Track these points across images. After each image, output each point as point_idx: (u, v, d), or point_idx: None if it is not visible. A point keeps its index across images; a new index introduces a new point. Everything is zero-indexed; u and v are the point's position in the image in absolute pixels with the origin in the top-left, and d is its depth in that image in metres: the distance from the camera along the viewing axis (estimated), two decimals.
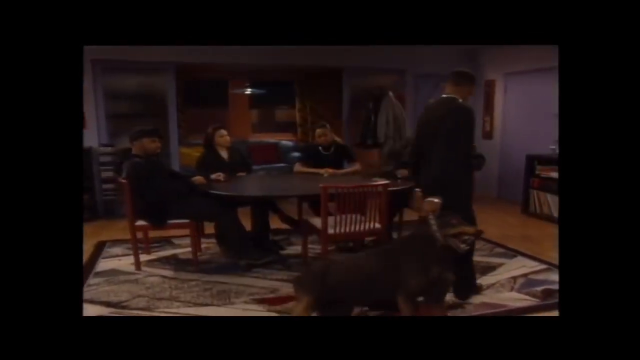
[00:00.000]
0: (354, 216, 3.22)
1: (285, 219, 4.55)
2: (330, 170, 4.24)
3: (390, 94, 6.15)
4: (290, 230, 4.58)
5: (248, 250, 3.60)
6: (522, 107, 6.16)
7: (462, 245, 2.22)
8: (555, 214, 5.17)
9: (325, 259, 3.07)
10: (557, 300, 2.97)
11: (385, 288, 2.25)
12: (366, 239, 3.87)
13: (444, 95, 2.77)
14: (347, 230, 3.23)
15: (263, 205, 3.92)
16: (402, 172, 3.91)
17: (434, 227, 2.24)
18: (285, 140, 7.78)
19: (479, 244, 4.23)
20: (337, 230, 3.21)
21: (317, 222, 3.43)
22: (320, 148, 4.47)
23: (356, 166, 4.51)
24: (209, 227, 3.96)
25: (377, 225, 3.33)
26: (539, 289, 3.21)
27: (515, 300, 3.05)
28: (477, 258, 3.77)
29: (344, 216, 3.18)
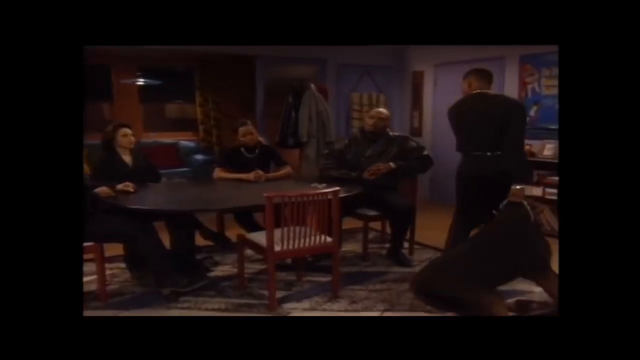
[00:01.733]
0: (302, 229, 3.26)
1: (208, 234, 4.48)
2: (260, 173, 4.25)
3: (312, 86, 6.28)
4: (212, 248, 4.55)
5: (173, 275, 3.48)
6: (454, 101, 6.51)
7: (545, 221, 3.07)
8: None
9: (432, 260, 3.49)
10: (536, 312, 3.23)
11: (499, 271, 2.94)
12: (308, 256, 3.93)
13: (482, 91, 3.52)
14: (296, 246, 3.26)
15: (187, 220, 3.82)
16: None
17: (529, 208, 3.02)
18: (185, 141, 7.57)
19: (429, 254, 4.50)
20: (284, 247, 3.23)
21: (257, 238, 3.43)
22: (242, 150, 4.46)
23: (287, 169, 4.57)
24: (109, 249, 3.78)
25: (329, 239, 3.41)
26: (511, 301, 3.27)
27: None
28: None
29: (291, 230, 3.21)
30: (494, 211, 3.16)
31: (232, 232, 4.61)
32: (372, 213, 4.27)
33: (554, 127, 5.44)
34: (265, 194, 3.12)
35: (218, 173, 4.45)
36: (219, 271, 4.05)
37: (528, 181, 3.43)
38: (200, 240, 4.26)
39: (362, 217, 4.29)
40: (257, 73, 6.51)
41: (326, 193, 3.31)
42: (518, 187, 3.17)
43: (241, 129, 4.41)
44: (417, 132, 7.09)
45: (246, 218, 4.37)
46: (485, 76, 3.59)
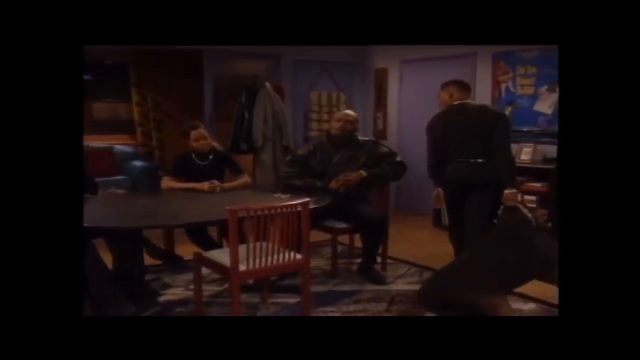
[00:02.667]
0: (268, 246, 3.14)
1: (156, 252, 4.31)
2: (216, 183, 4.10)
3: (267, 84, 6.17)
4: (161, 267, 4.39)
5: (117, 301, 3.29)
6: (422, 101, 6.58)
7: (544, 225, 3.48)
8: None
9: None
10: None
11: (509, 277, 3.23)
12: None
13: (463, 101, 3.90)
14: (263, 264, 3.14)
15: (135, 238, 3.62)
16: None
17: (526, 212, 3.32)
18: (121, 145, 7.27)
19: (403, 269, 4.47)
20: (250, 266, 3.10)
21: (217, 256, 3.28)
22: (194, 156, 4.31)
23: (245, 179, 4.46)
24: None
25: (298, 256, 3.30)
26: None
27: None
28: (406, 287, 4.00)
29: (257, 247, 3.09)
30: (494, 220, 3.53)
31: (182, 249, 4.47)
32: (342, 225, 4.18)
33: (526, 130, 5.54)
34: (229, 207, 2.98)
35: (166, 182, 4.26)
36: (170, 294, 3.88)
37: (515, 186, 3.65)
38: (146, 259, 4.06)
39: (331, 230, 4.20)
40: (205, 69, 6.35)
41: (295, 205, 3.20)
42: (510, 191, 3.51)
43: (193, 133, 4.25)
44: (381, 135, 7.08)
45: (199, 233, 4.21)
46: (466, 87, 4.00)
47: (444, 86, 3.99)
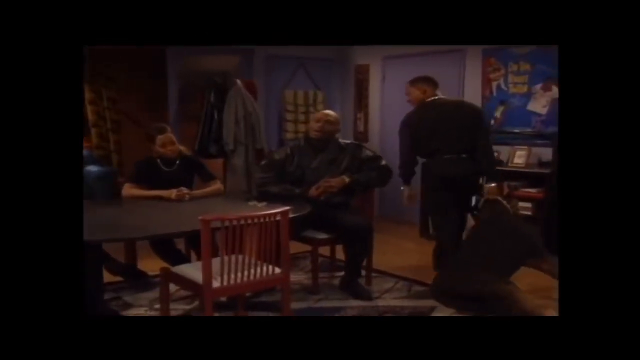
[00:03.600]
0: (244, 259, 3.09)
1: (117, 268, 4.24)
2: (184, 191, 4.03)
3: (239, 82, 6.11)
4: (122, 285, 4.32)
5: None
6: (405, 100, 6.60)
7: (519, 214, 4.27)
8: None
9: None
10: None
11: (502, 267, 3.66)
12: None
13: (438, 97, 4.31)
14: (238, 280, 3.09)
15: (94, 252, 3.53)
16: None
17: (505, 203, 3.90)
18: None
19: (390, 283, 4.46)
20: (225, 282, 3.05)
21: (187, 271, 3.23)
22: (159, 162, 4.23)
23: (217, 185, 4.39)
24: None
25: (277, 270, 3.26)
26: None
27: None
28: (394, 302, 3.99)
29: (232, 261, 3.04)
30: (474, 212, 4.11)
31: (145, 264, 4.40)
32: (322, 236, 4.15)
33: (518, 131, 5.58)
34: (202, 217, 2.92)
35: (128, 190, 4.15)
36: (132, 314, 3.80)
37: (497, 179, 4.19)
38: (106, 276, 3.97)
39: (311, 240, 4.16)
40: (169, 64, 6.26)
41: (274, 214, 3.16)
42: (492, 185, 4.08)
43: (160, 138, 4.16)
44: (362, 137, 7.07)
45: (166, 246, 4.11)
46: (435, 83, 4.38)
47: (414, 82, 4.37)
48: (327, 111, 4.43)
